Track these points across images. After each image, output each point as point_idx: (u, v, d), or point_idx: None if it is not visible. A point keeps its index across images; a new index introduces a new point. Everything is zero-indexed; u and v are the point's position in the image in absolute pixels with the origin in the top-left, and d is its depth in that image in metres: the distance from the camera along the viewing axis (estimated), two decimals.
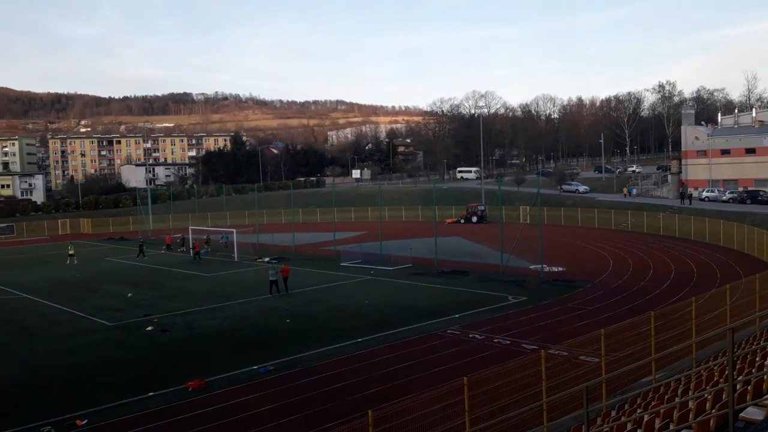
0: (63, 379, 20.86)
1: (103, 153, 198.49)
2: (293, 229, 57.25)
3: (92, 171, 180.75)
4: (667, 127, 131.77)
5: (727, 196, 66.39)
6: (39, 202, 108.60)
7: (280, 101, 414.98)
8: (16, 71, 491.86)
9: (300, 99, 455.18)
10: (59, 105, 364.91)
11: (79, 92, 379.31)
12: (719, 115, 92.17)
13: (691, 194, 67.27)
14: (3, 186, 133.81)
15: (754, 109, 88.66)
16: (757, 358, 12.24)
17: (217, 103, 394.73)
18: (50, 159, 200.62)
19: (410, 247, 45.79)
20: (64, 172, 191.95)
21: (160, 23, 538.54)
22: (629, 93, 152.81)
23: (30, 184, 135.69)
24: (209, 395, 18.70)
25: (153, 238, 69.25)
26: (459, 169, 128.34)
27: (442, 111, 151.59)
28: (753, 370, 11.08)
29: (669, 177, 78.37)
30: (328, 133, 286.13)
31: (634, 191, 79.32)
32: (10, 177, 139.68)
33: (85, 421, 16.88)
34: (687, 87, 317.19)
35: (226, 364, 21.50)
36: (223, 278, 40.96)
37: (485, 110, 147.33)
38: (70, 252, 51.15)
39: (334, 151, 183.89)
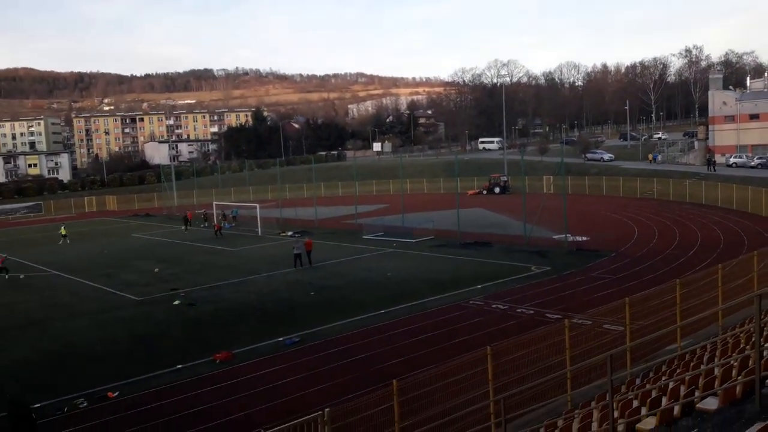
0: (94, 353, 21.36)
1: (127, 131, 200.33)
2: (315, 203, 57.45)
3: (116, 149, 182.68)
4: (694, 92, 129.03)
5: (756, 161, 65.05)
6: (65, 181, 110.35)
7: (301, 75, 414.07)
8: (39, 51, 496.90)
9: (320, 72, 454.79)
10: (82, 84, 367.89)
11: (101, 71, 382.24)
12: (748, 79, 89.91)
13: (714, 161, 65.90)
14: (30, 165, 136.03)
15: None
16: None
17: (238, 78, 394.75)
18: (75, 138, 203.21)
19: (432, 220, 45.73)
20: (89, 150, 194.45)
21: (179, 1, 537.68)
22: (655, 59, 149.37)
23: (56, 163, 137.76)
24: (236, 367, 19.03)
25: (178, 213, 70.00)
26: (481, 139, 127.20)
27: (464, 81, 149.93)
28: None
29: (696, 143, 77.00)
30: (349, 106, 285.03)
31: (659, 157, 78.16)
32: (37, 156, 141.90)
33: (117, 393, 17.31)
34: (715, 51, 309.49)
35: (252, 337, 21.83)
36: (248, 252, 41.37)
37: (507, 79, 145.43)
38: (63, 233, 51.23)
39: (355, 124, 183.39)
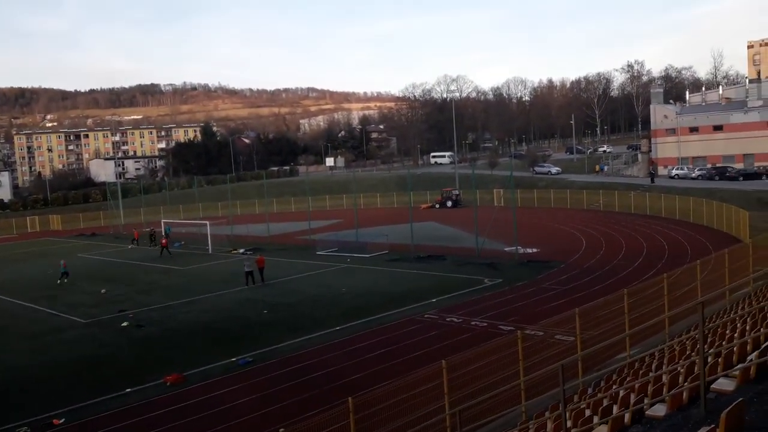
0: (38, 378, 20.56)
1: (71, 148, 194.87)
2: (267, 219, 56.90)
3: (60, 166, 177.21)
4: (637, 106, 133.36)
5: (696, 173, 67.54)
6: (6, 200, 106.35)
7: (250, 90, 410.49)
8: None
9: (270, 87, 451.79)
10: (23, 100, 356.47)
11: (43, 86, 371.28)
12: (687, 93, 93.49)
13: (654, 173, 68.36)
14: None
15: (720, 87, 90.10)
16: (728, 331, 12.51)
17: (186, 93, 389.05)
18: (16, 155, 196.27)
19: (386, 234, 45.83)
20: (31, 168, 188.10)
21: (125, 14, 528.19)
22: (599, 74, 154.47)
23: None
24: (188, 389, 18.59)
25: (125, 232, 68.30)
26: (433, 154, 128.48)
27: (414, 96, 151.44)
28: (723, 343, 11.33)
29: (639, 156, 79.48)
30: (300, 121, 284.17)
31: (606, 168, 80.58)
32: None
33: (63, 420, 16.69)
34: (655, 66, 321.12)
35: (204, 357, 21.38)
36: (198, 271, 40.62)
37: (457, 94, 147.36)
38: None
39: (307, 139, 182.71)
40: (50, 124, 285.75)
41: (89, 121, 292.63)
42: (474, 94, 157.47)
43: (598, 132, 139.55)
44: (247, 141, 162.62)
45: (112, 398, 18.10)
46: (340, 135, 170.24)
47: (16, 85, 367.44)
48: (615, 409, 9.54)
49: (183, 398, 17.83)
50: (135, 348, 23.55)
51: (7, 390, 19.59)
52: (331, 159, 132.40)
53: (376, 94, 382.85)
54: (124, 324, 26.85)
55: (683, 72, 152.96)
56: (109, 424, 16.27)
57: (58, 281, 38.17)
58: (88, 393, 18.57)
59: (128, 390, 18.67)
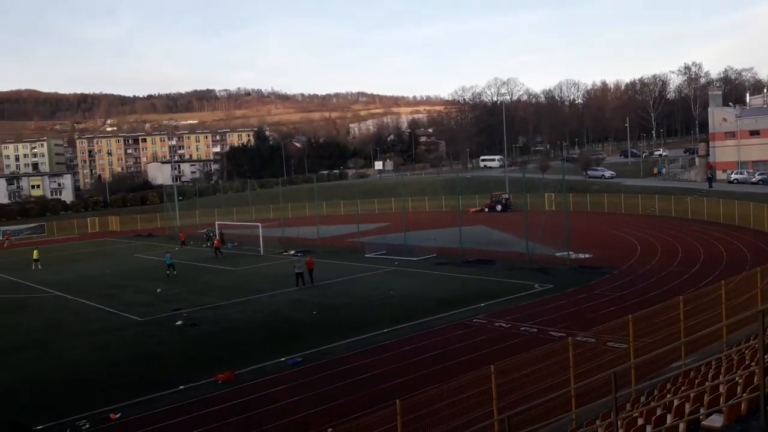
0: (97, 374, 21.29)
1: (129, 151, 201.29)
2: (317, 222, 57.52)
3: (119, 169, 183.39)
4: (694, 109, 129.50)
5: (757, 177, 65.15)
6: (68, 202, 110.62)
7: (302, 95, 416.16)
8: (42, 74, 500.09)
9: (321, 92, 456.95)
10: (85, 105, 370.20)
11: (104, 92, 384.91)
12: (747, 95, 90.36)
13: (711, 177, 66.24)
14: (33, 186, 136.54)
15: None
16: None
17: (240, 98, 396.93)
18: (78, 159, 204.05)
19: (434, 238, 45.74)
20: (91, 171, 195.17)
21: (180, 22, 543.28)
22: (654, 76, 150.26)
23: (59, 184, 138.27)
24: (239, 387, 18.95)
25: (180, 233, 70.08)
26: (482, 157, 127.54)
27: (464, 99, 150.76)
28: None
29: (696, 160, 77.17)
30: (350, 125, 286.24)
31: (664, 170, 78.65)
32: (40, 177, 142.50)
33: (119, 415, 17.24)
34: (714, 68, 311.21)
35: (255, 357, 21.76)
36: (250, 272, 41.36)
37: (507, 97, 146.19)
38: (35, 257, 49.84)
39: (356, 143, 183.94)
40: (110, 129, 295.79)
41: (147, 125, 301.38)
42: (525, 97, 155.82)
43: (654, 135, 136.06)
44: (298, 145, 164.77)
45: (167, 395, 18.60)
46: (389, 139, 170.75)
47: (78, 92, 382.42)
48: (669, 418, 9.31)
49: (234, 396, 18.18)
50: (188, 346, 24.15)
51: (67, 384, 20.36)
52: (380, 163, 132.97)
53: (425, 98, 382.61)
54: (179, 323, 27.55)
55: (743, 73, 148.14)
56: (164, 420, 16.73)
57: (167, 272, 40.65)
58: (143, 389, 19.13)
59: (182, 387, 19.15)
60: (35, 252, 51.52)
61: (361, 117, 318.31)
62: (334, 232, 58.29)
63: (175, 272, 41.08)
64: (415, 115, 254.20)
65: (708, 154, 74.35)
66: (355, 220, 56.34)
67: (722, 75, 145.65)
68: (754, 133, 71.20)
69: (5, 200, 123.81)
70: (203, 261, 47.63)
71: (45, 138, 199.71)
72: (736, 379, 9.62)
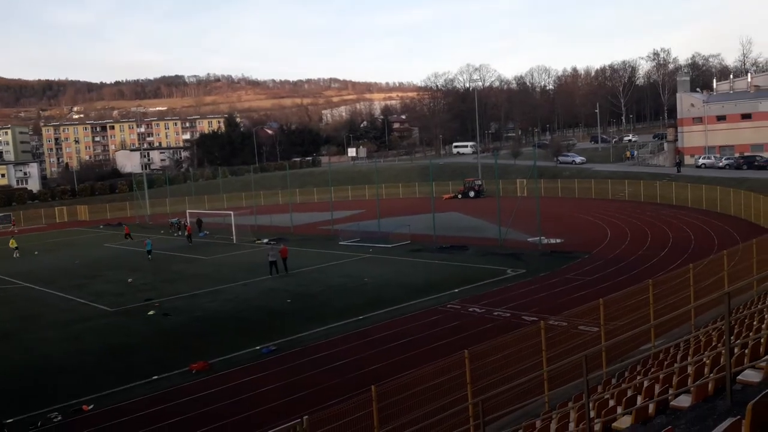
0: (68, 365, 21.01)
1: (97, 139, 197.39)
2: (291, 210, 57.24)
3: (87, 158, 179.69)
4: (663, 95, 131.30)
5: (724, 162, 66.39)
6: (35, 191, 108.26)
7: (273, 81, 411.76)
8: (5, 59, 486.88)
9: (293, 78, 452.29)
10: (51, 92, 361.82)
11: (70, 78, 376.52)
12: (714, 81, 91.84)
13: (679, 163, 67.47)
14: None
15: (749, 74, 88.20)
16: (755, 322, 12.36)
17: (210, 84, 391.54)
18: (44, 147, 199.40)
19: (408, 224, 45.86)
20: (58, 159, 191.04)
21: (148, 7, 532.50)
22: (624, 62, 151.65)
23: (25, 173, 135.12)
24: (213, 377, 18.86)
25: (151, 222, 69.23)
26: (455, 144, 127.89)
27: (437, 86, 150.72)
28: (750, 334, 11.19)
29: (665, 145, 78.35)
30: (323, 111, 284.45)
31: (636, 153, 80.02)
32: (5, 166, 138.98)
33: (92, 406, 17.05)
34: (682, 54, 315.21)
35: (228, 346, 21.66)
36: (223, 261, 41.05)
37: (480, 84, 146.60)
38: (13, 245, 49.99)
39: (329, 129, 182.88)
40: (77, 116, 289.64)
41: (115, 112, 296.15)
42: (497, 83, 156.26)
43: (624, 121, 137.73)
44: (270, 132, 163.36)
45: (140, 385, 18.44)
46: (362, 125, 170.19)
47: (43, 78, 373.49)
48: (639, 399, 9.49)
49: (208, 386, 18.09)
50: (161, 336, 23.93)
51: (38, 376, 20.04)
52: (353, 149, 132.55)
53: (398, 84, 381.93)
54: (151, 313, 27.27)
55: (711, 60, 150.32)
56: (137, 411, 16.59)
57: (149, 257, 42.57)
58: (116, 380, 18.94)
59: (155, 377, 19.00)
60: (12, 241, 50.78)
61: (333, 103, 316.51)
62: (308, 220, 58.09)
63: (150, 257, 42.27)
64: (388, 102, 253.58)
65: (676, 140, 75.53)
66: (328, 208, 56.21)
67: (690, 61, 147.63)
68: (721, 119, 72.47)
69: None
70: (175, 250, 47.11)
71: (9, 126, 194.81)
72: (704, 360, 9.85)
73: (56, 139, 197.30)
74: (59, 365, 21.04)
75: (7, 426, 15.74)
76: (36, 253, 50.07)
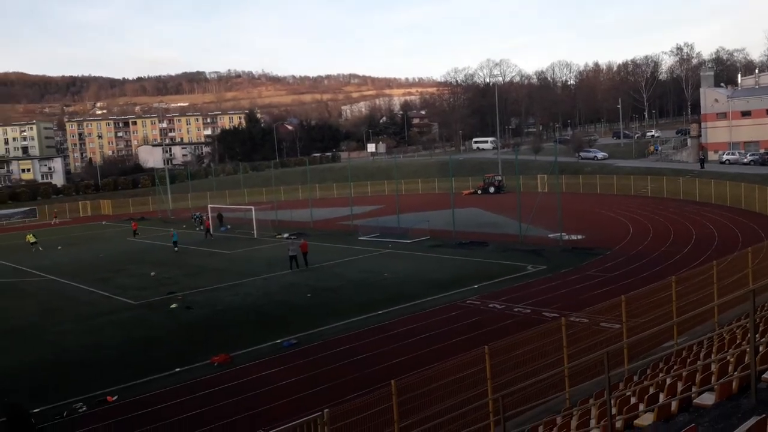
0: (92, 357, 21.33)
1: (120, 134, 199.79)
2: (310, 205, 57.48)
3: (110, 153, 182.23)
4: (686, 90, 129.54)
5: (749, 158, 65.41)
6: (59, 185, 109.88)
7: (293, 77, 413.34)
8: (30, 56, 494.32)
9: (313, 74, 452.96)
10: (74, 88, 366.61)
11: (93, 75, 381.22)
12: (739, 76, 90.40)
13: (703, 158, 66.56)
14: (24, 170, 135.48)
15: None
16: None
17: (231, 80, 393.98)
18: (68, 142, 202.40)
19: (427, 220, 45.81)
20: (82, 154, 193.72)
21: (170, 3, 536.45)
22: (647, 57, 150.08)
23: (50, 168, 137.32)
24: (234, 369, 19.04)
25: (173, 217, 69.93)
26: (475, 139, 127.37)
27: (457, 81, 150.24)
28: None
29: (688, 141, 77.35)
30: (342, 107, 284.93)
31: (660, 148, 79.25)
32: (30, 161, 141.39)
33: (116, 397, 17.31)
34: (706, 49, 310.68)
35: (249, 339, 21.85)
36: (244, 255, 41.35)
37: (500, 79, 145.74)
38: (31, 240, 50.68)
39: (349, 125, 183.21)
40: (100, 112, 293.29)
41: (137, 108, 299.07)
42: (517, 79, 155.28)
43: (646, 116, 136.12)
44: (290, 127, 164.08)
45: (162, 377, 18.67)
46: (381, 121, 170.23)
47: (67, 74, 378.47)
48: (661, 397, 9.42)
49: (229, 378, 18.27)
50: (184, 329, 24.20)
51: (63, 368, 20.39)
52: (373, 145, 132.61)
53: (417, 80, 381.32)
54: (173, 306, 27.58)
55: (735, 54, 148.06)
56: (159, 402, 16.81)
57: (175, 249, 44.35)
58: (139, 372, 19.19)
59: (177, 369, 19.23)
60: (30, 236, 51.52)
61: (353, 99, 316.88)
62: (328, 215, 58.28)
63: (176, 249, 44.08)
64: (408, 97, 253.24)
65: (700, 135, 74.51)
66: (348, 203, 56.32)
67: (714, 56, 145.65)
68: (746, 114, 71.35)
69: None
70: (197, 244, 47.57)
71: (34, 121, 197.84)
72: (728, 357, 9.75)
73: (80, 135, 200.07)
74: (84, 357, 21.38)
75: (33, 416, 16.03)
76: (59, 247, 50.81)
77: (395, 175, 61.92)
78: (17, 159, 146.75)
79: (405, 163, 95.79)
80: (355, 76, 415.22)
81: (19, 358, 21.71)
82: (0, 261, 45.61)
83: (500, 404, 10.78)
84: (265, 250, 42.86)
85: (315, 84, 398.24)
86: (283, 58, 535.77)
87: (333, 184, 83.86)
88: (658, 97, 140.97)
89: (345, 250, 39.66)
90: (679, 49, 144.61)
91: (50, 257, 45.63)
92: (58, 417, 16.23)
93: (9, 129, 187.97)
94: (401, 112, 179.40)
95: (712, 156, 70.41)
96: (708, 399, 8.58)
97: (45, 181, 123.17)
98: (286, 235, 47.82)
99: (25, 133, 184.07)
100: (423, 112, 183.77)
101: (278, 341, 21.37)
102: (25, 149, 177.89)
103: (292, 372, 18.45)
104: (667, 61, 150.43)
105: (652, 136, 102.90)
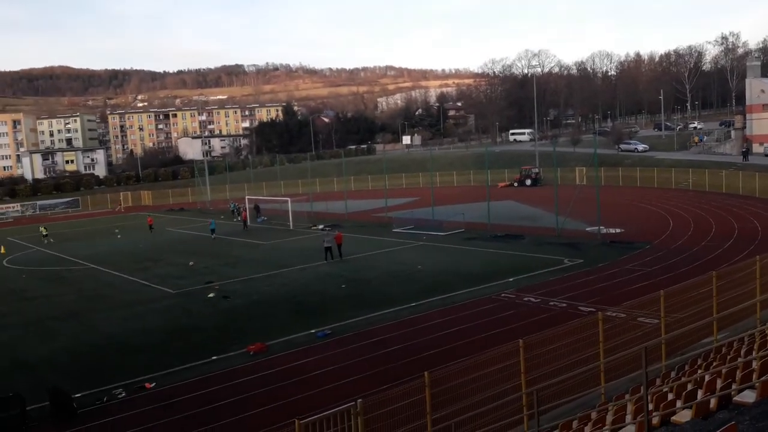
0: (132, 344, 21.84)
1: (160, 127, 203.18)
2: (345, 197, 57.70)
3: (150, 144, 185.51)
4: (731, 80, 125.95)
5: None
6: (101, 176, 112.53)
7: (330, 69, 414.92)
8: (74, 50, 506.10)
9: (349, 66, 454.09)
10: (116, 81, 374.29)
11: (134, 68, 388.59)
12: None
13: (746, 150, 64.66)
14: (67, 161, 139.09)
15: None
16: None
17: (269, 73, 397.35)
18: (110, 134, 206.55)
19: (462, 212, 45.59)
20: (123, 146, 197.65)
21: None
22: (690, 47, 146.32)
23: (92, 159, 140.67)
24: (270, 358, 19.28)
25: (211, 208, 70.99)
26: (512, 131, 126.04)
27: (494, 72, 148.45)
28: None
29: (732, 133, 75.25)
30: (378, 99, 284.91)
31: (705, 138, 77.45)
32: (74, 152, 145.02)
33: (154, 384, 17.69)
34: (752, 38, 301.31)
35: (285, 329, 22.09)
36: (280, 246, 41.77)
37: (539, 69, 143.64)
38: (43, 233, 52.13)
39: (384, 117, 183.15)
40: (141, 104, 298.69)
41: (177, 101, 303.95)
42: (556, 69, 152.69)
43: (689, 108, 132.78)
44: (326, 120, 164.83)
45: (200, 365, 19.02)
46: (417, 113, 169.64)
47: (109, 67, 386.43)
48: (700, 393, 9.23)
49: (265, 367, 18.51)
50: (221, 318, 24.58)
51: (104, 354, 20.94)
52: (408, 137, 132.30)
53: (454, 71, 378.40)
54: (211, 295, 28.04)
55: None
56: (197, 390, 17.13)
57: (213, 237, 46.16)
58: (177, 359, 19.59)
59: (214, 358, 19.56)
60: (42, 228, 53.11)
61: (389, 91, 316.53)
62: (362, 207, 58.43)
63: (213, 237, 46.04)
64: (444, 89, 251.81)
65: (744, 127, 72.41)
66: (382, 195, 56.38)
67: (761, 45, 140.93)
68: None
69: (41, 175, 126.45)
70: (234, 235, 48.23)
71: (78, 114, 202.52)
72: None
73: (121, 127, 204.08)
74: (123, 344, 21.90)
75: (75, 401, 16.50)
76: (118, 235, 52.17)
77: (430, 167, 61.72)
78: (62, 150, 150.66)
79: (440, 155, 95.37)
80: (392, 68, 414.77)
81: (62, 344, 22.37)
82: (44, 249, 46.98)
83: (534, 398, 10.71)
84: (300, 241, 43.23)
85: (351, 76, 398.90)
86: (320, 50, 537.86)
87: (368, 176, 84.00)
88: (701, 88, 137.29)
89: (379, 242, 39.73)
90: (724, 38, 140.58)
91: (93, 247, 46.71)
92: (98, 402, 16.68)
93: (54, 121, 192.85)
94: (437, 104, 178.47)
95: (756, 148, 68.38)
96: (749, 396, 8.38)
97: (88, 172, 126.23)
98: (321, 227, 48.14)
99: (69, 125, 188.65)
100: (459, 104, 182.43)
101: (313, 331, 21.55)
102: (69, 141, 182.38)
103: (326, 362, 18.60)
104: (712, 51, 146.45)
105: (695, 127, 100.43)
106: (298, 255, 37.17)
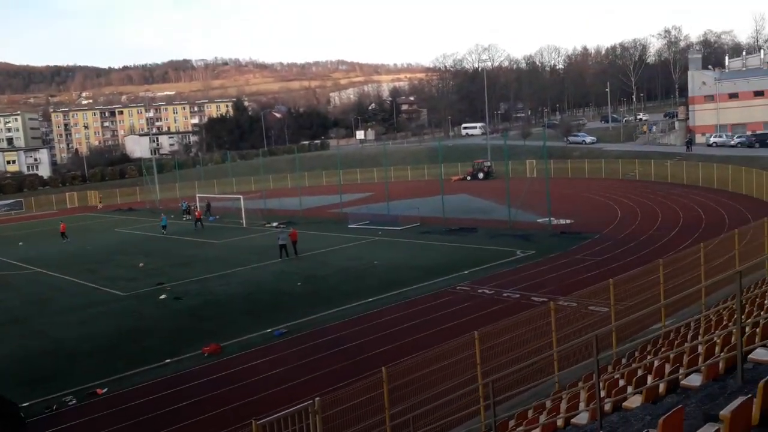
0: (81, 349, 21.23)
1: (106, 124, 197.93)
2: (300, 193, 57.29)
3: (96, 143, 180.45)
4: (674, 73, 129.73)
5: (735, 140, 65.73)
6: (45, 177, 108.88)
7: (281, 64, 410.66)
8: (13, 45, 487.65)
9: (300, 61, 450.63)
10: (59, 78, 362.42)
11: (78, 64, 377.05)
12: (727, 58, 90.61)
13: (689, 141, 66.91)
14: (9, 162, 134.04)
15: (762, 51, 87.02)
16: (766, 301, 12.29)
17: (217, 68, 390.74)
18: (54, 133, 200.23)
19: (417, 207, 45.81)
20: (68, 145, 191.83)
21: None
22: (635, 40, 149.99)
23: (35, 159, 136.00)
24: (225, 359, 19.01)
25: (161, 207, 69.53)
26: (464, 125, 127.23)
27: (445, 66, 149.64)
28: (762, 313, 11.13)
29: (676, 124, 77.64)
30: (330, 94, 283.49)
31: (654, 128, 79.61)
32: (15, 152, 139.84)
33: (105, 390, 17.24)
34: (693, 31, 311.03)
35: (240, 329, 21.81)
36: (233, 244, 41.21)
37: (489, 64, 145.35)
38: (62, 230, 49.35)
39: (337, 112, 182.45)
40: (85, 102, 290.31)
41: (123, 97, 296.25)
42: (506, 63, 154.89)
43: (634, 100, 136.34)
44: (278, 115, 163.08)
45: (152, 369, 18.61)
46: (370, 108, 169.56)
47: (52, 64, 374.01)
48: (649, 379, 9.48)
49: (220, 368, 18.25)
50: (173, 320, 24.11)
51: (52, 360, 20.28)
52: (362, 132, 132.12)
53: (406, 65, 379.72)
54: (162, 297, 27.47)
55: (723, 36, 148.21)
56: (150, 394, 16.77)
57: (164, 232, 47.47)
58: (129, 364, 19.12)
59: (167, 361, 19.18)
60: (62, 225, 50.57)
61: (341, 86, 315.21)
62: (317, 203, 58.13)
63: (164, 232, 47.32)
64: (396, 83, 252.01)
65: (687, 118, 74.80)
66: (337, 191, 56.20)
67: (702, 38, 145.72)
68: (733, 96, 71.62)
69: None
70: (186, 234, 47.35)
71: (19, 112, 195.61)
72: (715, 339, 9.81)
73: (65, 125, 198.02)
74: (73, 349, 21.27)
75: (22, 410, 15.95)
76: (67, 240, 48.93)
77: (384, 162, 61.76)
78: (2, 150, 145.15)
79: (394, 150, 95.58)
80: (343, 62, 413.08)
81: (7, 350, 21.59)
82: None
83: (490, 389, 10.82)
84: (254, 239, 42.74)
85: (303, 71, 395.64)
86: (270, 45, 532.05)
87: (322, 172, 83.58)
88: (646, 80, 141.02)
89: (335, 238, 39.60)
90: (667, 31, 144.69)
91: (35, 250, 45.20)
92: (47, 410, 16.16)
93: None
94: (390, 99, 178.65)
95: (699, 139, 70.71)
96: (695, 380, 8.64)
97: (31, 172, 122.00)
98: (275, 224, 47.68)
99: (9, 124, 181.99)
100: (412, 98, 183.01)
101: (268, 330, 21.35)
102: (9, 140, 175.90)
103: (282, 361, 18.45)
104: (655, 44, 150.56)
105: (640, 119, 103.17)
106: (252, 253, 36.75)
